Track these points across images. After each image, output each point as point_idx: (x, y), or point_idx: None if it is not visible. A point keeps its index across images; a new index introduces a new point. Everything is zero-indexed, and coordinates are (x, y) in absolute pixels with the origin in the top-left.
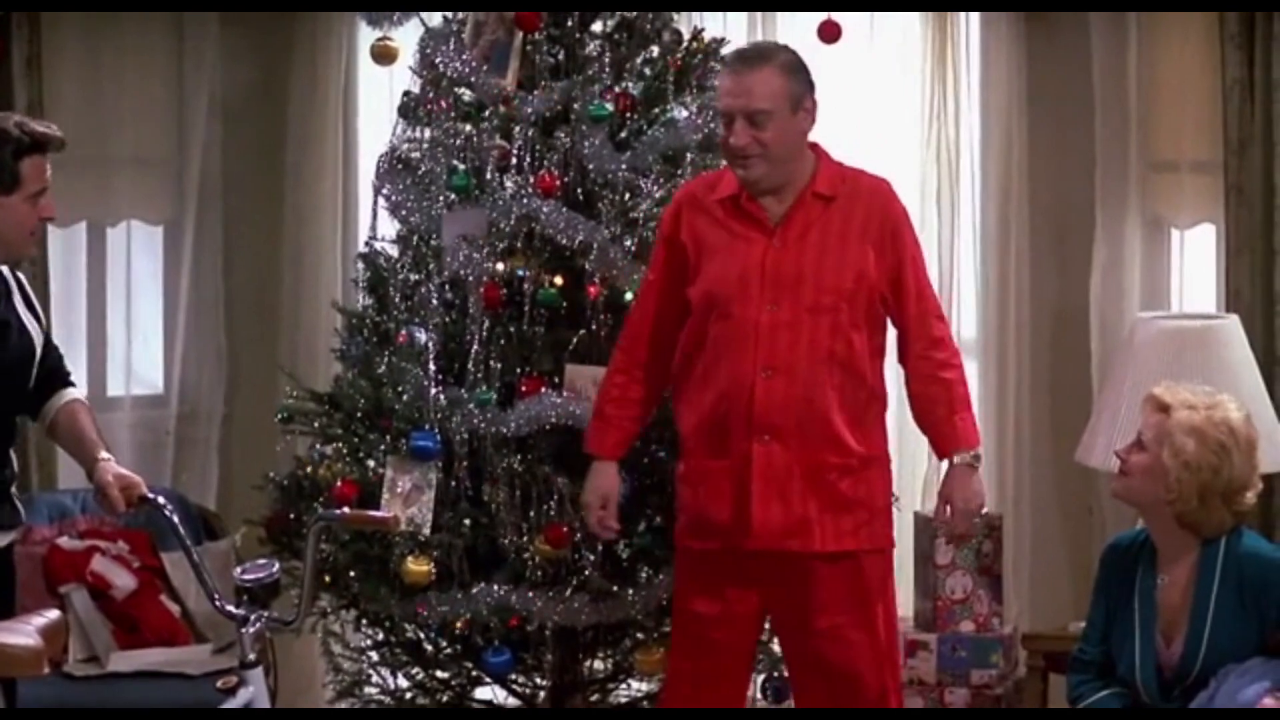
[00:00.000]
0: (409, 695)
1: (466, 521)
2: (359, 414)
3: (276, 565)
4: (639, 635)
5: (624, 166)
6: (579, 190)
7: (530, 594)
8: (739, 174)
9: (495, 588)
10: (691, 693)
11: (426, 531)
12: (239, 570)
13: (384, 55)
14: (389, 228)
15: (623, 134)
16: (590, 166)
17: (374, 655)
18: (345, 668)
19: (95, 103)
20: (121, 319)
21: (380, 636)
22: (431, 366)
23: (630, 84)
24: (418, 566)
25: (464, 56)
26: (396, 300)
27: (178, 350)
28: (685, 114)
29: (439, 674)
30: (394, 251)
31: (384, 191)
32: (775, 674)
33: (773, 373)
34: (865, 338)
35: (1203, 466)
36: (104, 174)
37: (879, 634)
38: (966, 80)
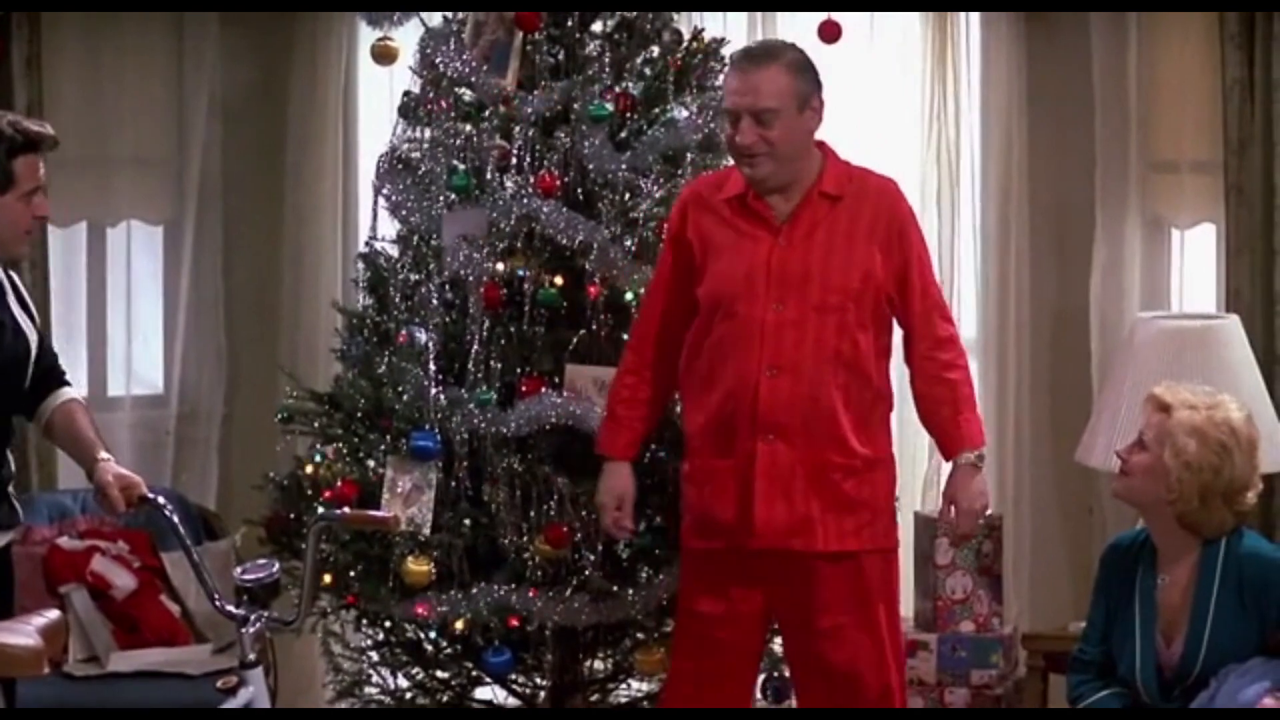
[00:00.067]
0: (409, 695)
1: (466, 521)
2: (359, 414)
3: (276, 565)
4: (639, 635)
5: (624, 166)
6: (579, 190)
7: (530, 594)
8: (745, 172)
9: (495, 588)
10: (693, 693)
11: (426, 531)
12: (239, 570)
13: (384, 55)
14: (389, 228)
15: (623, 134)
16: (590, 166)
17: (374, 655)
18: (345, 668)
19: (95, 103)
20: (121, 319)
21: (380, 636)
22: (432, 366)
23: (630, 84)
24: (418, 566)
25: (464, 56)
26: (397, 300)
27: (178, 350)
28: (685, 114)
29: (439, 674)
30: (394, 251)
31: (384, 191)
32: (775, 674)
33: (778, 372)
34: (871, 338)
35: (1204, 467)
36: (104, 174)
37: (881, 635)
38: (966, 80)
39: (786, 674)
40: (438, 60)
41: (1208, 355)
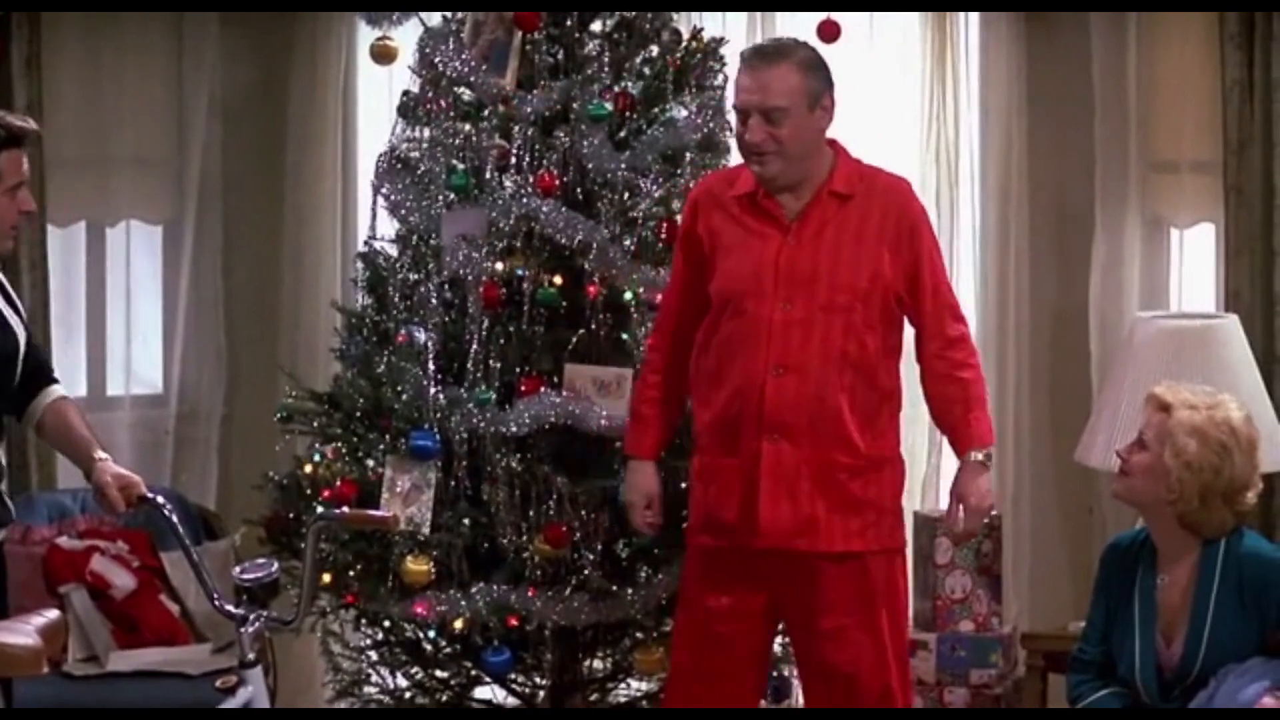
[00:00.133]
0: (408, 695)
1: (466, 521)
2: (358, 413)
3: (276, 565)
4: (638, 635)
5: (623, 166)
6: (578, 190)
7: (529, 593)
8: (755, 170)
9: (494, 587)
10: (693, 688)
11: (426, 531)
12: (238, 570)
13: (383, 55)
14: (388, 227)
15: (622, 133)
16: (589, 166)
17: (373, 655)
18: (344, 667)
19: (95, 103)
20: (121, 319)
21: (379, 636)
22: (431, 366)
23: (629, 83)
24: (417, 566)
25: (463, 56)
26: (396, 300)
27: (177, 350)
28: (684, 113)
29: (438, 673)
30: (393, 251)
31: (383, 191)
32: (774, 673)
33: (784, 371)
34: (879, 338)
35: (1204, 467)
36: (104, 174)
37: (883, 637)
38: (966, 80)
39: (786, 673)
40: (437, 60)
41: (1207, 355)
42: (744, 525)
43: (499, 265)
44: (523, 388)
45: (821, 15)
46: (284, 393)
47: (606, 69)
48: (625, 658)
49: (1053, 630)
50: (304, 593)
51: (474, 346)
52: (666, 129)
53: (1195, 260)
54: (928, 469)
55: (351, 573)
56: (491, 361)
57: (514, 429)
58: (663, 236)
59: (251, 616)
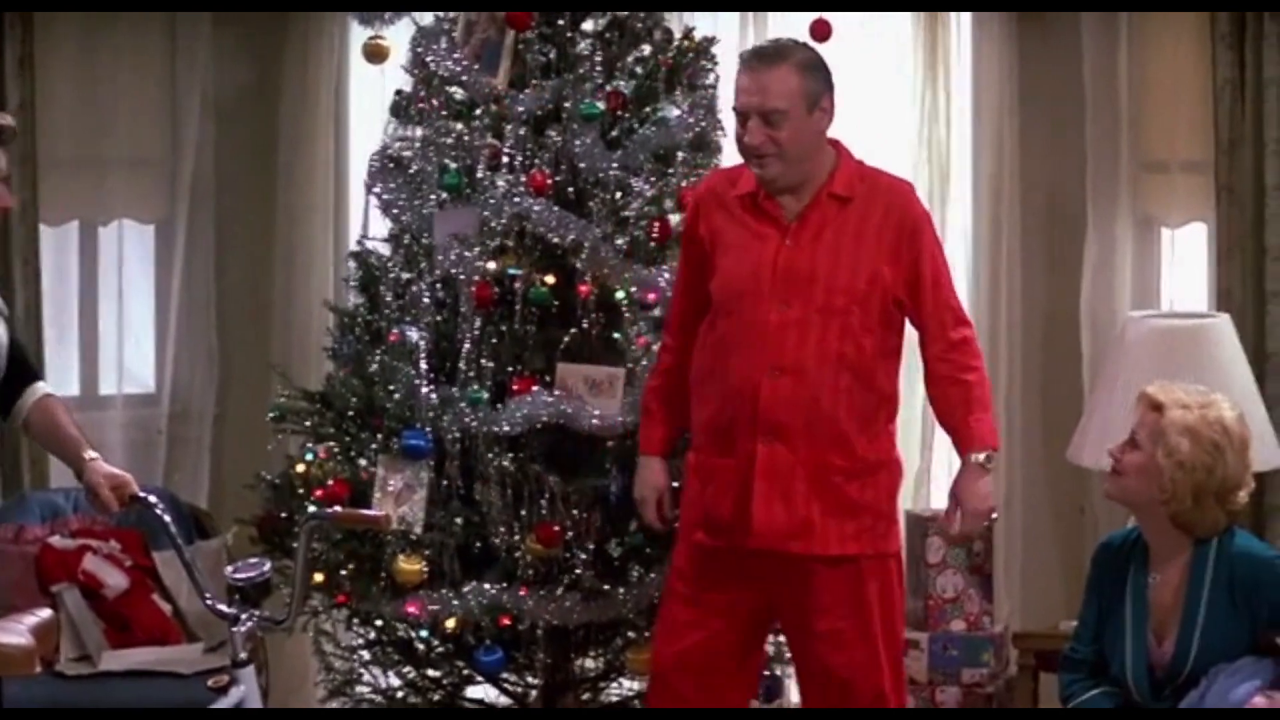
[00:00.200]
0: (400, 694)
1: (458, 520)
2: (351, 413)
3: (268, 564)
4: (630, 634)
5: (615, 165)
6: (570, 189)
7: (522, 593)
8: (755, 172)
9: (487, 587)
10: (675, 680)
11: (418, 530)
12: (230, 569)
13: (375, 54)
14: (381, 227)
15: (614, 132)
16: (582, 165)
17: (365, 654)
18: (337, 666)
19: (88, 102)
20: (113, 318)
21: (372, 635)
22: (423, 365)
23: (621, 82)
24: (409, 565)
25: (455, 55)
26: (388, 299)
27: (170, 349)
28: (676, 113)
29: (430, 673)
30: (386, 250)
31: (376, 190)
32: (766, 673)
33: (780, 373)
34: (877, 340)
35: (1197, 466)
36: (97, 173)
37: (876, 641)
38: (958, 80)
39: (779, 673)
40: (429, 59)
41: (1199, 354)
42: (738, 526)
43: (491, 264)
44: (515, 387)
45: (813, 15)
46: (276, 392)
47: (598, 68)
48: (617, 657)
49: (1044, 629)
50: (296, 592)
51: (466, 346)
52: (658, 128)
53: (1187, 260)
54: (919, 468)
55: (344, 572)
56: (484, 361)
57: (506, 428)
58: (655, 236)
59: (244, 616)
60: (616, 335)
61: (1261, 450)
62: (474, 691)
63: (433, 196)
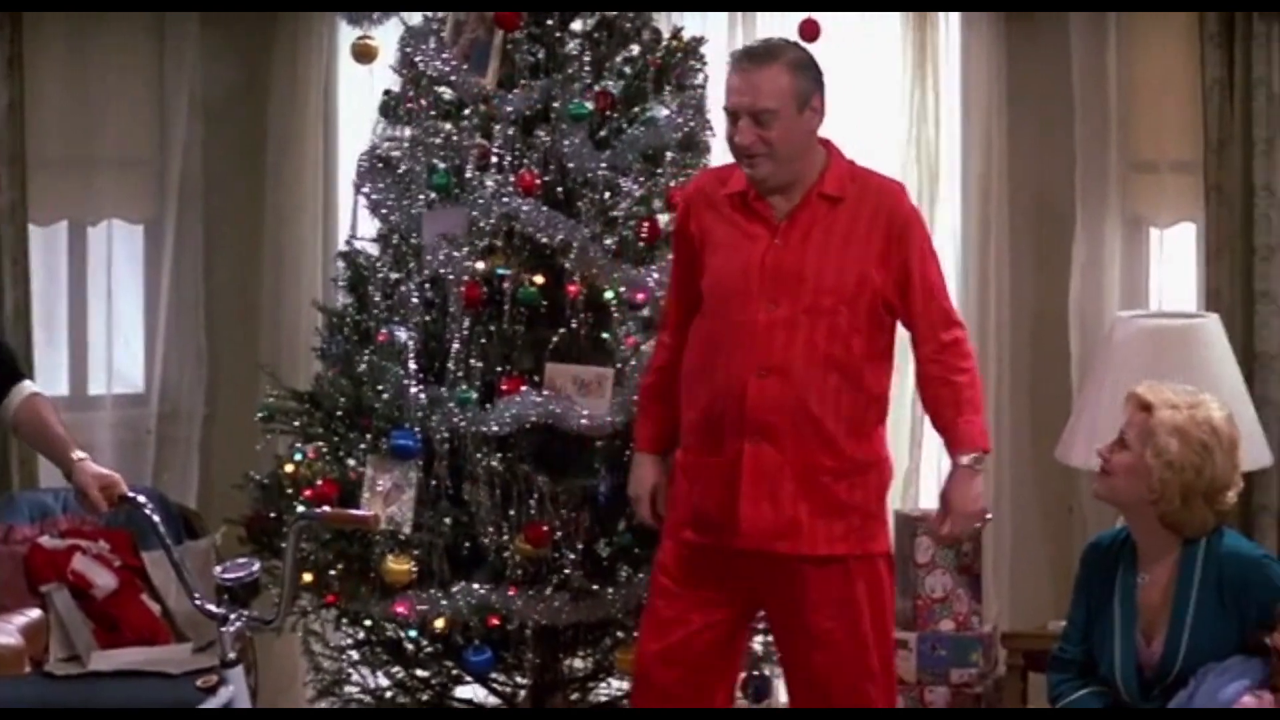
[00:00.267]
0: (389, 694)
1: (447, 520)
2: (339, 413)
3: (257, 564)
4: (619, 634)
5: (604, 165)
6: (559, 189)
7: (510, 593)
8: (745, 172)
9: (476, 586)
10: (660, 674)
11: (407, 530)
12: (219, 569)
13: (364, 54)
14: (369, 227)
15: (602, 132)
16: (570, 165)
17: (354, 654)
18: (326, 667)
19: (77, 103)
20: (102, 318)
21: (361, 635)
22: (412, 365)
23: (610, 83)
24: (398, 565)
25: (444, 55)
26: (377, 299)
27: (159, 349)
28: (665, 113)
29: (419, 673)
30: (374, 250)
31: (364, 190)
32: (755, 672)
33: (767, 373)
34: (865, 341)
35: (1186, 466)
36: (85, 173)
37: (866, 641)
38: (947, 80)
39: (767, 672)
40: (418, 59)
41: (1188, 354)
42: (725, 525)
43: (480, 264)
44: (504, 387)
45: (802, 15)
46: (265, 392)
47: (587, 68)
48: (606, 657)
49: (1033, 629)
50: (285, 592)
51: (455, 346)
52: (647, 128)
53: (1176, 259)
54: (908, 467)
55: (332, 572)
56: (472, 361)
57: (495, 428)
58: (643, 236)
59: (232, 616)
60: (605, 335)
61: (1250, 450)
62: (463, 691)
63: (421, 196)
